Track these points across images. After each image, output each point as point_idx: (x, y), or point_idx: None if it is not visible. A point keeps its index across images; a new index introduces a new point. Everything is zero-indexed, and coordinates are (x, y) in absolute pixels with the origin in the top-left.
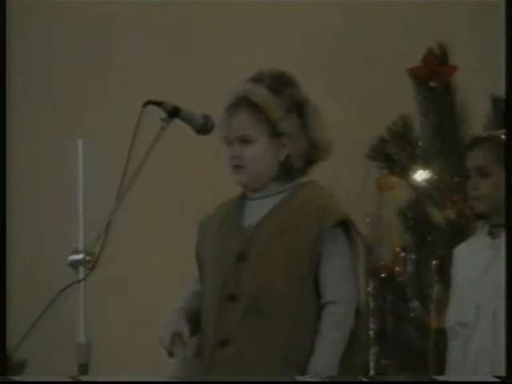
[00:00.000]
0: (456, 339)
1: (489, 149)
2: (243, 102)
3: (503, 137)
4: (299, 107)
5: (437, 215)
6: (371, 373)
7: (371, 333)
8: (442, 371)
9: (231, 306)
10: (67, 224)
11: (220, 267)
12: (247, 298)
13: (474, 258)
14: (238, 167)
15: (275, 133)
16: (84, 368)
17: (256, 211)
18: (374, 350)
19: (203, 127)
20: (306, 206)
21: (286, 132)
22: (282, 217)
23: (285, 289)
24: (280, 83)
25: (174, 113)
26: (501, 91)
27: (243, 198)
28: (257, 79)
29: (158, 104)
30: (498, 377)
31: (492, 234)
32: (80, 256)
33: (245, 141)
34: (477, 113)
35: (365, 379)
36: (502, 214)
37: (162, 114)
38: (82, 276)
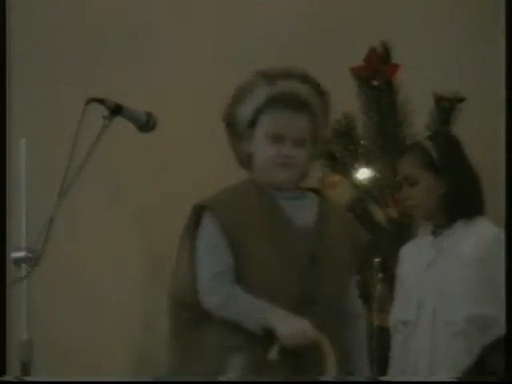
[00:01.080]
0: (398, 337)
1: (413, 157)
2: (297, 103)
3: (428, 143)
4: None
5: (379, 214)
6: None
7: None
8: (386, 368)
9: (308, 309)
10: (10, 221)
11: (289, 270)
12: (324, 302)
13: (418, 257)
14: (287, 166)
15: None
16: (27, 366)
17: (301, 212)
18: None
19: (146, 125)
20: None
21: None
22: (332, 218)
23: (352, 290)
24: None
25: (116, 110)
26: (442, 89)
27: (270, 194)
28: (303, 79)
29: (101, 101)
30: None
31: (435, 234)
32: (22, 254)
33: (299, 144)
34: (419, 111)
35: (365, 379)
36: (441, 215)
37: (105, 112)
38: (24, 273)
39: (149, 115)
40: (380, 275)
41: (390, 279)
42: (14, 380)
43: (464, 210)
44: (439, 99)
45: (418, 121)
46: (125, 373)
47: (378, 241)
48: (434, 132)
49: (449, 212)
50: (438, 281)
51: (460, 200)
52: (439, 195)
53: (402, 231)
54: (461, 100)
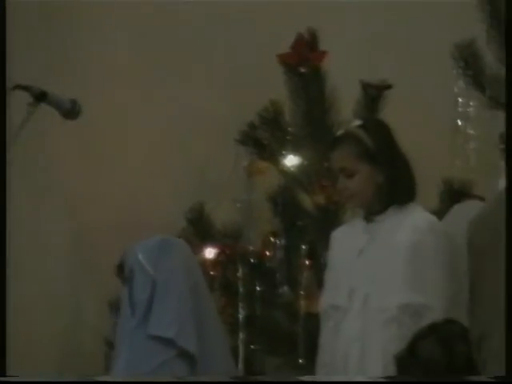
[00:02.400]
0: (328, 322)
1: (348, 148)
2: None
3: (361, 132)
4: None
5: (306, 200)
6: (240, 358)
7: (240, 318)
8: (311, 355)
9: None
10: None
11: None
12: None
13: (350, 243)
14: None
15: None
16: None
17: None
18: (243, 336)
19: (70, 112)
20: None
21: None
22: None
23: None
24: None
25: (40, 97)
26: (369, 76)
27: None
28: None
29: (25, 88)
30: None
31: (367, 219)
32: None
33: None
34: (346, 98)
35: (365, 379)
36: (376, 202)
37: (30, 99)
38: None
39: (73, 102)
40: (307, 262)
41: (317, 266)
42: (13, 380)
43: (398, 197)
44: (366, 86)
45: (346, 108)
46: (48, 363)
47: (305, 228)
48: (366, 120)
49: (384, 199)
50: (371, 267)
51: (395, 187)
52: (377, 184)
53: (329, 218)
54: (388, 87)
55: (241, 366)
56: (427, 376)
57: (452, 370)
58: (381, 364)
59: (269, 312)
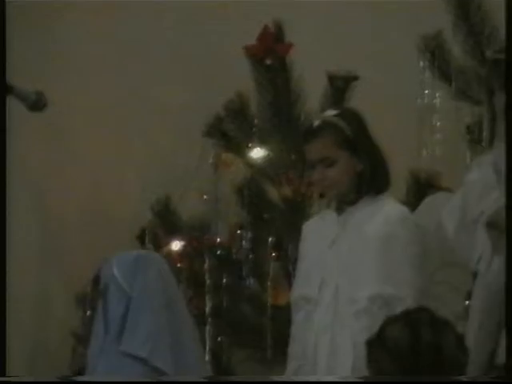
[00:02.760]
0: (299, 313)
1: (327, 137)
2: None
3: (340, 121)
4: None
5: (273, 193)
6: (207, 350)
7: (207, 310)
8: (278, 347)
9: None
10: None
11: None
12: None
13: (321, 234)
14: None
15: None
16: None
17: None
18: (210, 328)
19: (36, 104)
20: None
21: None
22: None
23: None
24: None
25: (7, 90)
26: (335, 68)
27: None
28: None
29: None
30: None
31: (338, 210)
32: None
33: None
34: (312, 89)
35: (365, 379)
36: (350, 192)
37: None
38: None
39: (39, 94)
40: (274, 254)
41: (284, 258)
42: (13, 380)
43: (373, 187)
44: (333, 78)
45: (312, 99)
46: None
47: (272, 220)
48: (341, 109)
49: (359, 189)
50: (342, 258)
51: (373, 176)
52: (355, 172)
53: (296, 210)
54: (354, 78)
55: (208, 357)
56: (394, 363)
57: (417, 356)
58: (351, 355)
59: (236, 304)
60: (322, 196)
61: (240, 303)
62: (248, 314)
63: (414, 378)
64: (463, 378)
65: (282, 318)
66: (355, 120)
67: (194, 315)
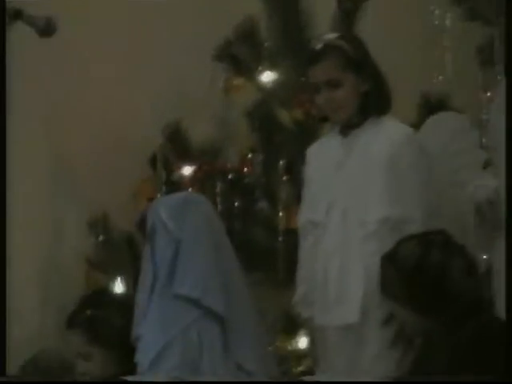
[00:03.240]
0: (307, 238)
1: (332, 59)
2: None
3: (343, 44)
4: None
5: (284, 116)
6: None
7: None
8: (291, 271)
9: None
10: None
11: None
12: None
13: (326, 157)
14: None
15: None
16: None
17: None
18: None
19: (46, 29)
20: None
21: None
22: None
23: None
24: None
25: (16, 15)
26: None
27: None
28: None
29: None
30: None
31: (343, 133)
32: None
33: None
34: (323, 12)
35: (365, 379)
36: (355, 114)
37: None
38: None
39: (49, 19)
40: (286, 177)
41: (295, 181)
42: (13, 380)
43: (377, 108)
44: (342, 0)
45: (322, 22)
46: (30, 282)
47: (283, 143)
48: (343, 32)
49: (363, 111)
50: (348, 181)
51: (377, 97)
52: (360, 94)
53: (307, 132)
54: (364, 0)
55: None
56: (402, 281)
57: (424, 276)
58: (361, 279)
59: (248, 228)
60: (323, 120)
61: (252, 227)
62: (260, 238)
63: (414, 378)
64: (464, 379)
65: (294, 241)
66: (357, 42)
67: None
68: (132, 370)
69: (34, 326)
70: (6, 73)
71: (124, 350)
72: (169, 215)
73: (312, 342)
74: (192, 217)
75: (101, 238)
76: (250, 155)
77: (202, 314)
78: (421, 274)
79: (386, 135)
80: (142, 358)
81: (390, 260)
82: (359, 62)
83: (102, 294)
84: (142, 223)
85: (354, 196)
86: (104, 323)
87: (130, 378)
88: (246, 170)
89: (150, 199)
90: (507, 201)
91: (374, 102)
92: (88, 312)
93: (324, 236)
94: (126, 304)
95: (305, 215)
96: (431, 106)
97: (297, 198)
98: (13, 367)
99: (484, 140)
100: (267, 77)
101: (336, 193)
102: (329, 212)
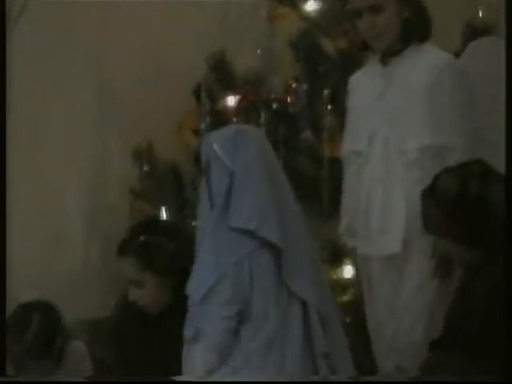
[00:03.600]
0: (350, 168)
1: None
2: None
3: None
4: None
5: (328, 45)
6: None
7: None
8: (336, 200)
9: None
10: None
11: None
12: None
13: (368, 87)
14: None
15: None
16: None
17: None
18: None
19: None
20: None
21: None
22: None
23: None
24: None
25: None
26: None
27: None
28: None
29: None
30: None
31: (383, 62)
32: None
33: None
34: None
35: (365, 379)
36: (396, 42)
37: None
38: None
39: None
40: (330, 106)
41: (339, 110)
42: (13, 380)
43: (418, 35)
44: None
45: None
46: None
47: (327, 72)
48: None
49: (404, 38)
50: (389, 110)
51: (417, 24)
52: (402, 21)
53: (351, 62)
54: None
55: None
56: (442, 213)
57: (463, 207)
58: (404, 207)
59: (292, 157)
60: (365, 49)
61: (296, 157)
62: (304, 168)
63: (414, 378)
64: (465, 379)
65: (339, 170)
66: None
67: None
68: (183, 299)
69: (81, 256)
70: (6, 73)
71: (176, 278)
72: (221, 147)
73: (356, 273)
74: (244, 148)
75: (145, 168)
76: (293, 85)
77: (256, 245)
78: (461, 205)
79: (426, 63)
80: (193, 290)
81: (429, 195)
82: None
83: (153, 222)
84: (196, 158)
85: (394, 125)
86: (157, 249)
87: None
88: (290, 99)
89: (194, 130)
90: (507, 199)
91: (415, 28)
92: (141, 238)
93: (367, 166)
94: (177, 231)
95: (348, 145)
96: (476, 33)
97: (341, 128)
98: (61, 295)
99: None
100: (311, 6)
101: (377, 122)
102: (371, 141)
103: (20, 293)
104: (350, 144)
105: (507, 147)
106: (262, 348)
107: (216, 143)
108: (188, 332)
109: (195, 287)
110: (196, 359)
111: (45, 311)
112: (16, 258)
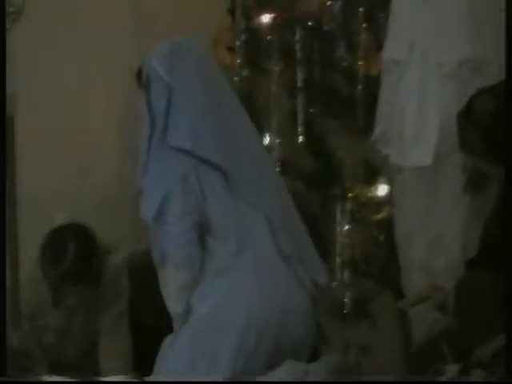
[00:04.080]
0: (388, 77)
1: None
2: None
3: None
4: None
5: None
6: (299, 121)
7: (299, 81)
8: (369, 118)
9: None
10: None
11: None
12: None
13: None
14: None
15: None
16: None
17: None
18: (301, 99)
19: None
20: None
21: None
22: None
23: None
24: None
25: None
26: None
27: None
28: None
29: None
30: None
31: None
32: None
33: None
34: None
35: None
36: None
37: None
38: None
39: None
40: (365, 24)
41: (375, 28)
42: (13, 380)
43: None
44: None
45: None
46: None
47: None
48: None
49: None
50: (429, 22)
51: None
52: None
53: None
54: None
55: (301, 129)
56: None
57: (501, 126)
58: (438, 121)
59: (327, 75)
60: None
61: (331, 74)
62: (339, 85)
63: (414, 378)
64: (466, 379)
65: (374, 88)
66: None
67: (285, 87)
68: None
69: (113, 171)
70: (5, 73)
71: None
72: (159, 62)
73: (390, 187)
74: (181, 62)
75: None
76: (329, 2)
77: (197, 163)
78: (496, 125)
79: None
80: (145, 213)
81: (465, 115)
82: None
83: None
84: (139, 74)
85: (433, 36)
86: None
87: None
88: (325, 17)
89: (229, 47)
90: (507, 198)
91: None
92: None
93: (404, 75)
94: None
95: (388, 53)
96: None
97: (376, 46)
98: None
99: None
100: None
101: (417, 32)
102: (410, 51)
103: (52, 216)
104: (390, 51)
105: (507, 145)
106: (234, 252)
107: (154, 57)
108: (155, 256)
109: (145, 209)
110: (167, 279)
111: (80, 235)
112: (47, 181)
